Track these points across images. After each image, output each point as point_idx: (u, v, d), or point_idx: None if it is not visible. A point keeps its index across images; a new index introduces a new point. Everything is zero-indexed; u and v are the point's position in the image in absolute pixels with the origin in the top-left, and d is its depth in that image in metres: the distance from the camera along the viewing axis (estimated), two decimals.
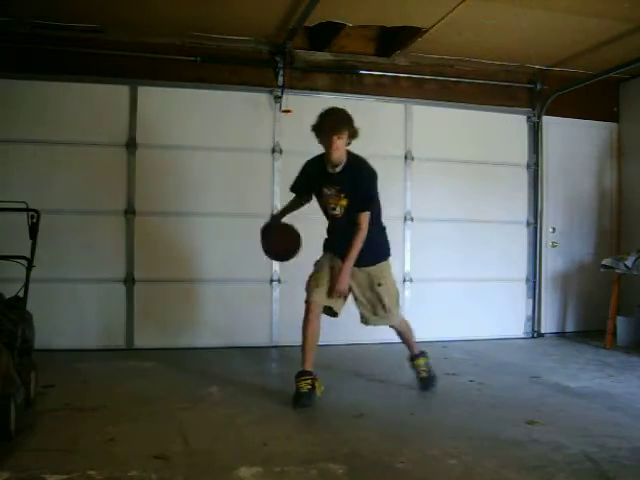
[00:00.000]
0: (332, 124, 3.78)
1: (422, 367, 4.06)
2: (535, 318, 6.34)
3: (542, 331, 6.34)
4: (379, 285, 3.92)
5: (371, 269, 3.92)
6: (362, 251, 3.83)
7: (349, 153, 3.90)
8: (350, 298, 4.01)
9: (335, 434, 3.19)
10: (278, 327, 5.62)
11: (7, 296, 3.91)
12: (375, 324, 4.02)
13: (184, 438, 3.06)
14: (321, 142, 3.87)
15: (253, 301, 5.62)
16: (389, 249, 4.07)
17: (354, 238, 3.79)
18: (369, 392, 4.08)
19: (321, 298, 3.85)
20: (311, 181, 3.99)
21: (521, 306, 6.32)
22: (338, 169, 3.87)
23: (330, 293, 3.83)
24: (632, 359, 5.23)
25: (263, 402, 3.66)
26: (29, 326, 3.83)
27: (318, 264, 4.00)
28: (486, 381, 4.05)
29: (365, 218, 3.82)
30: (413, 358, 4.10)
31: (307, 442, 3.04)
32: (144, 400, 3.73)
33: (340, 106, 3.71)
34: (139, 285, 5.37)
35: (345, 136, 3.80)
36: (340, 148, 3.81)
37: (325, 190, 3.90)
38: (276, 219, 4.23)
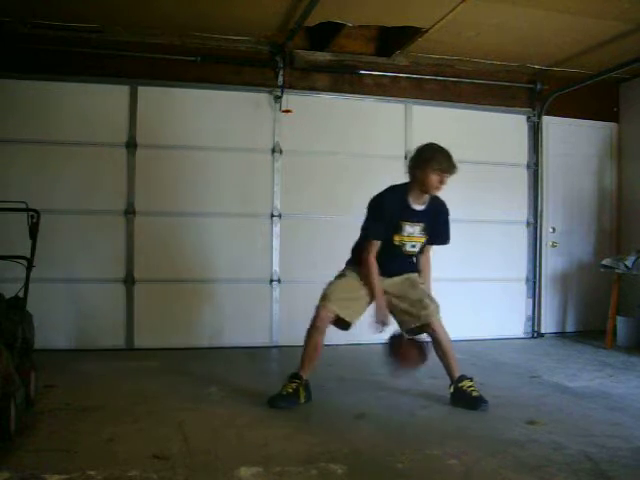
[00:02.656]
0: (449, 163, 3.59)
1: (472, 387, 3.73)
2: (535, 318, 6.34)
3: (542, 331, 6.34)
4: (422, 284, 3.87)
5: (411, 275, 3.88)
6: (412, 261, 3.88)
7: None
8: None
9: (335, 434, 3.18)
10: (278, 327, 5.62)
11: (7, 296, 3.91)
12: (422, 321, 3.71)
13: (184, 438, 3.06)
14: (421, 177, 3.63)
15: (253, 301, 5.62)
16: None
17: (430, 271, 3.92)
18: (369, 392, 4.07)
19: (340, 310, 3.70)
20: (391, 219, 3.70)
21: (521, 306, 6.33)
22: (424, 206, 3.75)
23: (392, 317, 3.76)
24: (632, 359, 5.23)
25: (263, 402, 3.65)
26: (29, 326, 3.83)
27: (346, 277, 3.81)
28: (486, 381, 4.05)
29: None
30: (458, 380, 3.75)
31: (307, 442, 3.04)
32: (144, 400, 3.73)
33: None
34: (139, 285, 5.37)
35: None
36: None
37: (407, 227, 3.71)
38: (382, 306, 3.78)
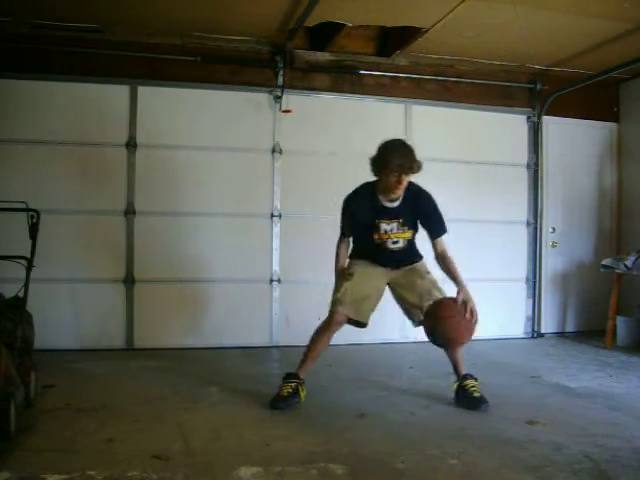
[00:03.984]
0: (402, 161, 3.48)
1: (475, 387, 3.72)
2: (535, 318, 6.34)
3: (542, 331, 6.34)
4: (428, 273, 3.81)
5: (415, 265, 3.83)
6: (408, 256, 3.79)
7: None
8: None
9: (335, 434, 3.18)
10: (278, 327, 5.62)
11: (7, 296, 3.91)
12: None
13: (184, 438, 3.06)
14: (382, 177, 3.60)
15: (253, 301, 5.62)
16: None
17: (454, 269, 3.62)
18: (370, 392, 4.07)
19: (355, 313, 3.68)
20: (362, 218, 3.71)
21: (521, 306, 6.33)
22: (397, 202, 3.68)
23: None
24: (632, 359, 5.23)
25: (263, 402, 3.65)
26: (29, 326, 3.83)
27: (354, 275, 3.75)
28: (486, 381, 4.04)
29: (444, 242, 3.69)
30: (463, 378, 3.76)
31: (307, 442, 3.04)
32: (144, 400, 3.73)
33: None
34: (139, 285, 5.37)
35: (411, 174, 3.56)
36: (405, 186, 3.58)
37: (383, 225, 3.67)
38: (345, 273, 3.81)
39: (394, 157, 3.51)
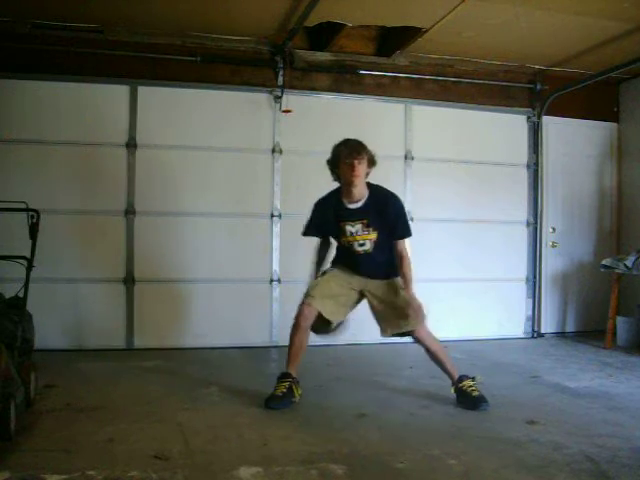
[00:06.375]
0: (350, 149, 3.63)
1: (473, 387, 3.72)
2: (535, 318, 6.34)
3: (542, 331, 6.34)
4: (402, 289, 3.79)
5: (395, 279, 3.83)
6: (384, 266, 3.80)
7: (369, 184, 3.76)
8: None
9: (335, 434, 3.18)
10: (278, 327, 5.61)
11: (7, 296, 3.91)
12: (403, 329, 3.71)
13: (184, 438, 3.06)
14: (340, 175, 3.71)
15: (253, 301, 5.62)
16: None
17: (406, 269, 3.71)
18: (369, 392, 4.07)
19: (323, 307, 3.72)
20: (327, 221, 3.80)
21: (521, 306, 6.33)
22: (360, 203, 3.73)
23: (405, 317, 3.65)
24: (632, 359, 5.23)
25: (263, 402, 3.65)
26: (29, 326, 3.84)
27: (329, 276, 3.84)
28: (486, 381, 4.04)
29: (406, 244, 3.75)
30: (458, 381, 3.75)
31: (307, 442, 3.04)
32: (144, 400, 3.73)
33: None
34: (139, 285, 5.37)
35: (365, 162, 3.65)
36: (361, 176, 3.64)
37: (348, 228, 3.73)
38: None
39: (342, 147, 3.69)
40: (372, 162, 3.72)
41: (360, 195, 3.73)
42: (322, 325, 3.82)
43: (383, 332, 3.83)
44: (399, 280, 3.81)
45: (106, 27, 5.21)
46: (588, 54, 5.66)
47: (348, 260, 3.85)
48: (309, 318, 3.73)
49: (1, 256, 3.73)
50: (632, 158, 6.44)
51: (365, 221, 3.71)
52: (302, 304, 3.76)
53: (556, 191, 6.43)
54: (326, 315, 3.76)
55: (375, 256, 3.77)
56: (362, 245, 3.75)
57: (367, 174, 3.73)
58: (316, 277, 3.90)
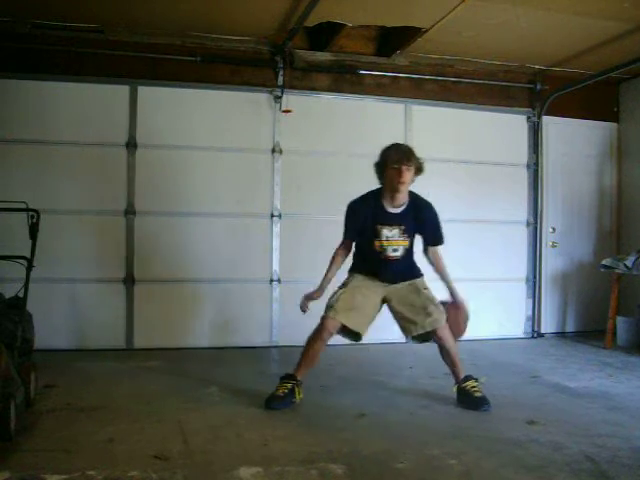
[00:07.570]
0: (399, 155, 3.60)
1: (476, 388, 3.73)
2: (535, 318, 6.34)
3: (542, 331, 6.34)
4: (425, 289, 3.82)
5: (415, 281, 3.84)
6: (406, 270, 3.82)
7: (409, 191, 3.74)
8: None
9: (335, 434, 3.18)
10: (278, 327, 5.62)
11: (7, 296, 3.91)
12: (427, 328, 3.70)
13: (184, 438, 3.06)
14: (386, 178, 3.67)
15: (253, 301, 5.62)
16: None
17: (447, 273, 3.88)
18: (369, 392, 4.07)
19: (347, 320, 3.67)
20: (364, 222, 3.73)
21: (521, 306, 6.33)
22: (401, 209, 3.72)
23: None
24: (632, 359, 5.23)
25: (263, 402, 3.65)
26: (29, 326, 3.84)
27: (350, 286, 3.78)
28: (486, 381, 4.04)
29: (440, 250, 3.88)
30: (463, 381, 3.76)
31: (307, 442, 3.04)
32: (144, 400, 3.73)
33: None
34: (139, 285, 5.37)
35: (413, 169, 3.61)
36: (407, 182, 3.62)
37: (385, 231, 3.69)
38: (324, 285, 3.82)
39: (392, 152, 3.66)
40: (419, 170, 3.68)
41: (402, 201, 3.72)
42: (348, 334, 3.79)
43: (407, 332, 3.81)
44: (420, 281, 3.85)
45: (106, 27, 5.22)
46: (588, 54, 5.66)
47: (373, 266, 3.80)
48: (332, 332, 3.71)
49: (1, 256, 3.73)
50: (632, 158, 6.44)
51: (403, 227, 3.71)
52: (325, 317, 3.69)
53: (556, 191, 6.43)
54: (351, 327, 3.72)
55: (402, 261, 3.79)
56: (395, 250, 3.74)
57: (412, 181, 3.70)
58: (329, 279, 3.82)
